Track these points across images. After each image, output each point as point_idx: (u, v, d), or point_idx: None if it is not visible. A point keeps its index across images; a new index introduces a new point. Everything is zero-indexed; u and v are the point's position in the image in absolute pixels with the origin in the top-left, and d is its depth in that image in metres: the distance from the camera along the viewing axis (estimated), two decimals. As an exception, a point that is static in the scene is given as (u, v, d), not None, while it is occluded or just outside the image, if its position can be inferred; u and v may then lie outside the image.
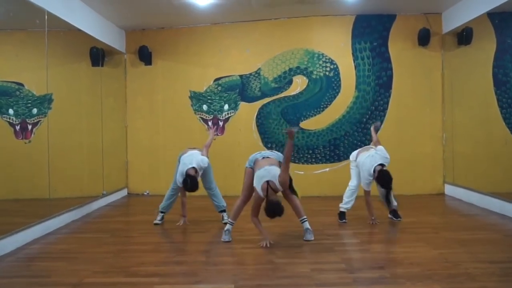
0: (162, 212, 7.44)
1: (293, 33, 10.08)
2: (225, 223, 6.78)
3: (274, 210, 5.62)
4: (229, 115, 10.34)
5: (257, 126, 10.23)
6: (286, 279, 4.68)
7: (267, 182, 5.78)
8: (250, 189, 6.12)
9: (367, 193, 6.96)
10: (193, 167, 6.85)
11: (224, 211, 7.37)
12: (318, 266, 5.07)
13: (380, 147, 7.03)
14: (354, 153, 7.38)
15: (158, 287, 4.52)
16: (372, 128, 7.75)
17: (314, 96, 10.02)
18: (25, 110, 6.90)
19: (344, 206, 7.24)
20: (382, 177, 6.68)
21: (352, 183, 7.26)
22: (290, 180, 6.01)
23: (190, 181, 6.73)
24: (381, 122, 9.56)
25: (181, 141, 9.89)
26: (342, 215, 7.26)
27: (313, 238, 6.13)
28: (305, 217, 6.21)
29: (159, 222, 7.40)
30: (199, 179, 7.03)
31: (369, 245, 6.12)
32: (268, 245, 5.84)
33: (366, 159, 6.89)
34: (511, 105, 7.59)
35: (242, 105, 10.30)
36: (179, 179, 6.90)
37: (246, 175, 6.28)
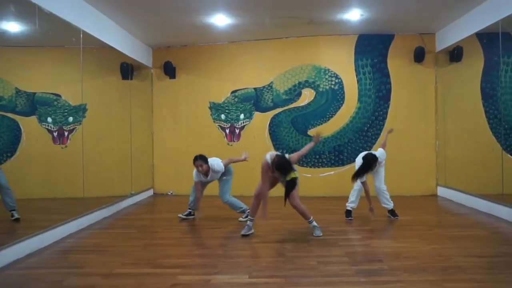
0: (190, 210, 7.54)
1: (302, 51, 10.10)
2: (241, 222, 6.89)
3: (283, 162, 5.92)
4: (245, 124, 10.35)
5: (270, 133, 10.25)
6: (295, 270, 4.68)
7: (276, 154, 6.01)
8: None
9: (363, 184, 6.97)
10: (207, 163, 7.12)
11: (243, 211, 7.25)
12: (324, 259, 5.07)
13: (380, 149, 7.19)
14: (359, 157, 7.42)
15: (181, 277, 4.53)
16: (387, 132, 7.86)
17: (321, 107, 10.02)
18: (62, 119, 6.93)
19: (350, 205, 7.24)
20: (365, 159, 6.78)
21: (356, 184, 7.26)
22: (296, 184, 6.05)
23: (198, 155, 7.11)
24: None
25: (202, 146, 9.91)
26: (348, 213, 7.25)
27: (321, 234, 6.13)
28: (311, 218, 6.22)
29: (185, 217, 7.50)
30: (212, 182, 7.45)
31: (370, 240, 6.08)
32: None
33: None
34: (497, 116, 7.56)
35: (256, 114, 10.31)
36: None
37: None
